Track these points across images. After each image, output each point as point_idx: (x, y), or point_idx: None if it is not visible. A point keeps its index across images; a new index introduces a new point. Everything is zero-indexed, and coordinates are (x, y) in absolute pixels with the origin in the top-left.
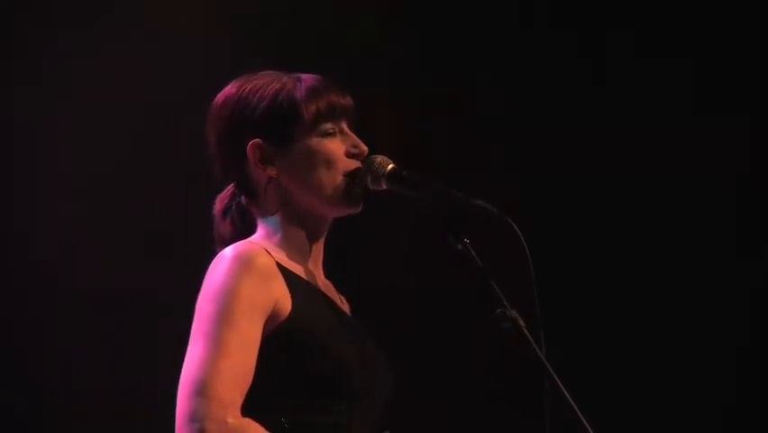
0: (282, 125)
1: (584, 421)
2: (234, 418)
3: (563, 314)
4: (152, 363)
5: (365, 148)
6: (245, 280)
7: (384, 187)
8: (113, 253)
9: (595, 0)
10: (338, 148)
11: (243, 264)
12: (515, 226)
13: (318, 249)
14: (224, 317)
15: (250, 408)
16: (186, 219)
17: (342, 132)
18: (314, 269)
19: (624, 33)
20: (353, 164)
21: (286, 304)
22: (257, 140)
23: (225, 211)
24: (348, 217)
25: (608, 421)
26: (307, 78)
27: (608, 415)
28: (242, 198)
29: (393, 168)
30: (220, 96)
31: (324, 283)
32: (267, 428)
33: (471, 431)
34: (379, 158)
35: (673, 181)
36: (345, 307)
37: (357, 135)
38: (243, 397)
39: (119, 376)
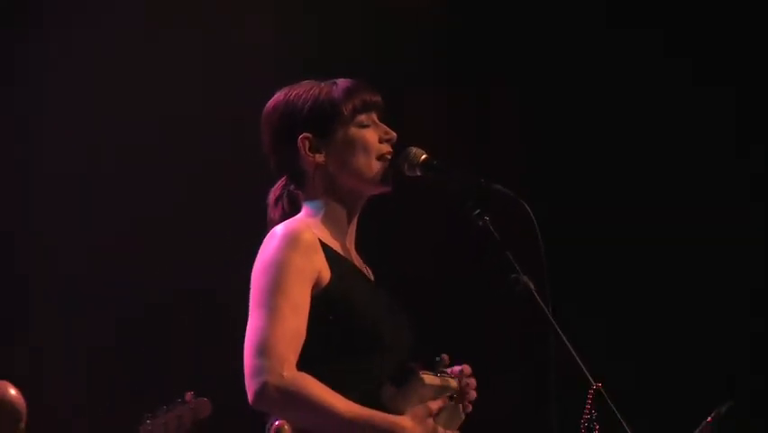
0: (326, 120)
1: (586, 371)
2: (290, 371)
3: (569, 278)
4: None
5: (394, 134)
6: (293, 254)
7: (418, 173)
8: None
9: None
10: (372, 136)
11: (291, 239)
12: (527, 207)
13: (353, 227)
14: (276, 286)
15: (297, 362)
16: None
17: (374, 122)
18: (348, 244)
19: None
20: (386, 148)
21: (325, 275)
22: (306, 133)
23: (277, 199)
24: (381, 213)
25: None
26: (342, 81)
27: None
28: (292, 186)
29: (426, 157)
30: (270, 103)
31: (355, 256)
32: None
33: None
34: (414, 149)
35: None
36: (371, 276)
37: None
38: (297, 355)
39: None
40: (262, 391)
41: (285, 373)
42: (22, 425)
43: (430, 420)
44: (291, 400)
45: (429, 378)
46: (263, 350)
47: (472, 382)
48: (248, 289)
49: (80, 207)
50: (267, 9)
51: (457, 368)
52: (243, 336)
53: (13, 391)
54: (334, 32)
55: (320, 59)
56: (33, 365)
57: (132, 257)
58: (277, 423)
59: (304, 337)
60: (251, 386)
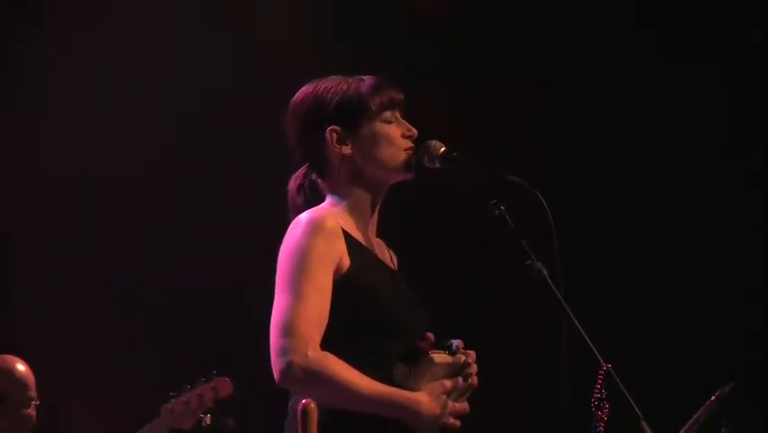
0: (353, 114)
1: (596, 351)
2: (314, 351)
3: (580, 264)
4: None
5: (415, 131)
6: (317, 240)
7: (437, 165)
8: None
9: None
10: (395, 131)
11: (316, 227)
12: (541, 197)
13: (375, 216)
14: (301, 270)
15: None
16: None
17: (397, 119)
18: (370, 233)
19: None
20: (407, 143)
21: (345, 262)
22: (334, 126)
23: (300, 187)
24: (403, 203)
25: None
26: (368, 78)
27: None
28: (314, 175)
29: (445, 150)
30: (298, 96)
31: (377, 243)
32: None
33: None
34: (433, 142)
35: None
36: (394, 261)
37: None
38: (321, 335)
39: None
40: (288, 369)
41: (310, 353)
42: (31, 393)
43: (444, 396)
44: (315, 379)
45: (439, 356)
46: (289, 330)
47: (471, 354)
48: (268, 273)
49: (80, 208)
50: (283, 10)
51: (453, 341)
52: (266, 318)
53: (20, 365)
54: (356, 34)
55: (341, 59)
56: (62, 345)
57: (155, 242)
58: (304, 402)
59: (327, 319)
60: (276, 365)
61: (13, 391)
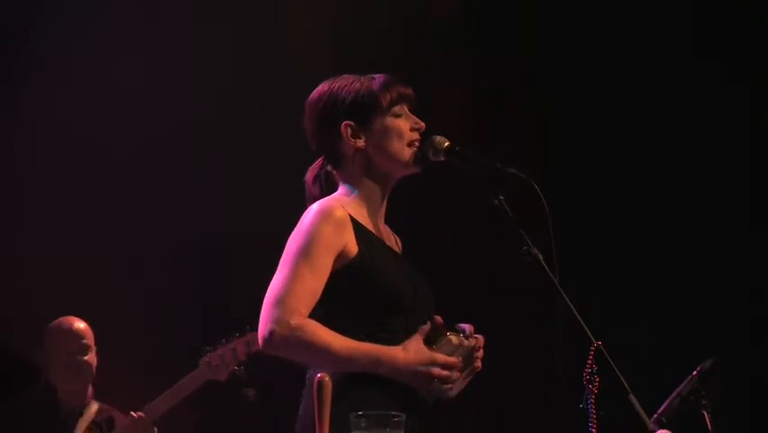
0: (366, 110)
1: (589, 332)
2: (296, 320)
3: (574, 249)
4: None
5: (423, 124)
6: (323, 227)
7: (441, 158)
8: None
9: None
10: (405, 125)
11: (324, 215)
12: (537, 188)
13: (384, 205)
14: (302, 252)
15: (330, 325)
16: None
17: (406, 113)
18: (379, 220)
19: None
20: (415, 135)
21: (352, 248)
22: (348, 121)
23: (316, 177)
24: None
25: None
26: (379, 76)
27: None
28: (329, 166)
29: (449, 144)
30: (315, 94)
31: (384, 230)
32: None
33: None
34: (438, 137)
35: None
36: (399, 246)
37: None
38: (309, 309)
39: None
40: (269, 337)
41: (292, 322)
42: (86, 342)
43: (425, 351)
44: (294, 345)
45: (456, 338)
46: (278, 302)
47: (480, 338)
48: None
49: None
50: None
51: (463, 325)
52: None
53: (77, 322)
54: (370, 34)
55: (355, 58)
56: (114, 306)
57: (188, 202)
58: (319, 375)
59: (318, 296)
60: (261, 331)
61: (70, 341)
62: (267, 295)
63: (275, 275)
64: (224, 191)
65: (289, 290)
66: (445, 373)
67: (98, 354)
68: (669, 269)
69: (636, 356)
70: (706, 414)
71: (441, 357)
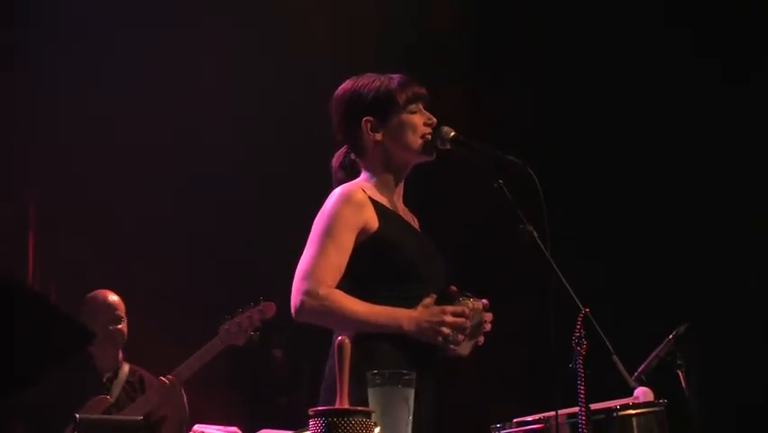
0: (385, 107)
1: (576, 300)
2: (324, 290)
3: (565, 230)
4: None
5: (435, 119)
6: (345, 209)
7: (448, 147)
8: None
9: None
10: (419, 120)
11: (345, 198)
12: (533, 174)
13: (400, 188)
14: (326, 232)
15: (355, 295)
16: None
17: (420, 110)
18: (396, 200)
19: None
20: (428, 130)
21: (373, 224)
22: (368, 117)
23: (341, 164)
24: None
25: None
26: (397, 76)
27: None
28: (352, 155)
29: (455, 134)
30: (340, 90)
31: (402, 208)
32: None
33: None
34: (445, 127)
35: None
36: (415, 222)
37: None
38: (336, 281)
39: None
40: (300, 306)
41: (320, 292)
42: (118, 313)
43: (436, 308)
44: (323, 312)
45: (471, 302)
46: (307, 275)
47: (489, 316)
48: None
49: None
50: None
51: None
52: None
53: (111, 294)
54: (371, 34)
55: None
56: (143, 275)
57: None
58: (339, 338)
59: (342, 270)
60: (293, 303)
61: (103, 311)
62: (297, 271)
63: (303, 253)
64: (253, 176)
65: (316, 265)
66: (459, 320)
67: (128, 323)
68: (657, 253)
69: (619, 321)
70: (680, 373)
71: (450, 308)
